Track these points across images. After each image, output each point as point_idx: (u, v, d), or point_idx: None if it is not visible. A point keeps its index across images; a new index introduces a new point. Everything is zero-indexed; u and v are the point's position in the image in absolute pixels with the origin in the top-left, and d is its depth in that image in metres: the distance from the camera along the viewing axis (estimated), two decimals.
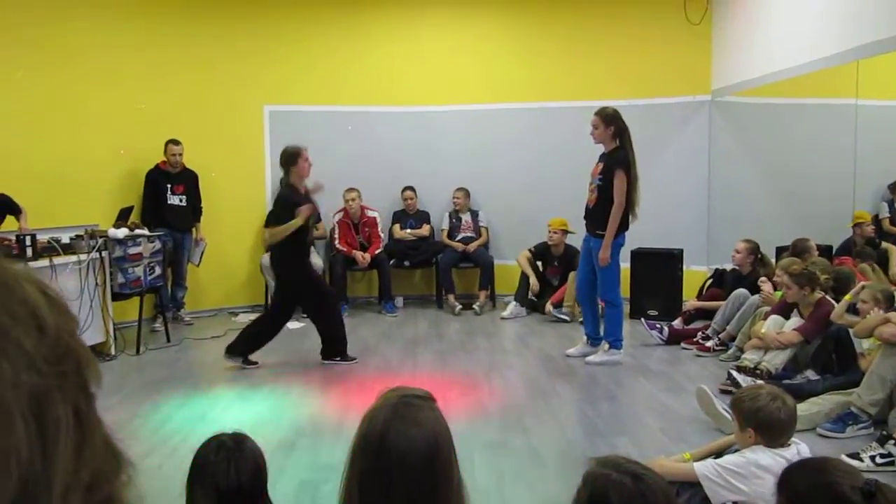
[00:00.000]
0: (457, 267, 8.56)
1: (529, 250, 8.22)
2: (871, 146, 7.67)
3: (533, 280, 8.09)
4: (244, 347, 6.05)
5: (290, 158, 5.92)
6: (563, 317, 7.64)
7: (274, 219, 5.99)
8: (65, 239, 6.22)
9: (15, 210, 6.38)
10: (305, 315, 6.78)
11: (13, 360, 0.40)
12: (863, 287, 5.00)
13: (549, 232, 8.03)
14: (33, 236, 5.87)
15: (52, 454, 0.40)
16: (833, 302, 5.39)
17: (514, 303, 8.05)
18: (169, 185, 7.66)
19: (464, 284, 8.66)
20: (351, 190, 8.34)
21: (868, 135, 7.62)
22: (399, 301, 8.50)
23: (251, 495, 2.07)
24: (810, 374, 5.09)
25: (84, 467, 0.42)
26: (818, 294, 5.38)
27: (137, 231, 6.74)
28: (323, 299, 6.20)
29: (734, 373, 5.31)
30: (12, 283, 0.43)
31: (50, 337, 0.43)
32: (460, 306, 8.19)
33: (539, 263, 8.28)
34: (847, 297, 5.10)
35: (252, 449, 2.16)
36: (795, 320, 5.43)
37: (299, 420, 4.84)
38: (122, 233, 6.49)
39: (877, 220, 7.66)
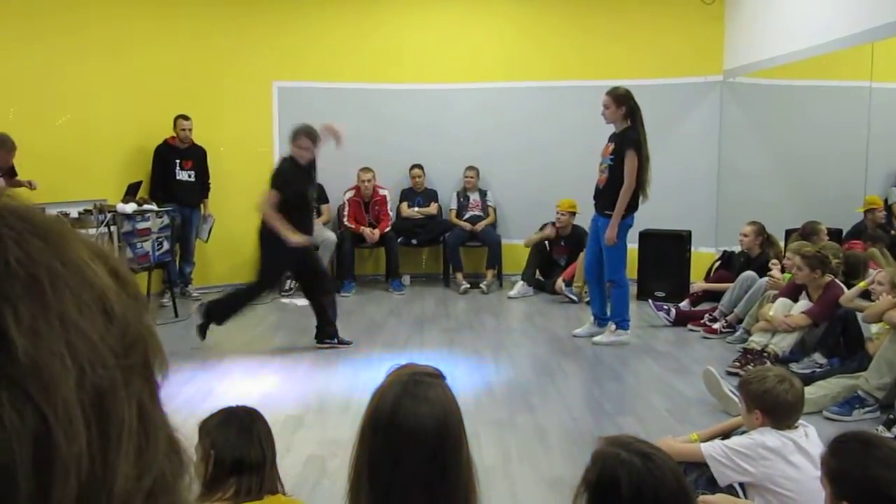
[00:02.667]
0: (464, 246, 8.55)
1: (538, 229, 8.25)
2: (884, 130, 7.61)
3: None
4: (219, 314, 5.93)
5: (293, 135, 5.87)
6: (571, 296, 7.63)
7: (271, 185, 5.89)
8: (73, 214, 6.23)
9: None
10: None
11: (78, 355, 0.36)
12: (879, 273, 4.98)
13: (558, 213, 8.01)
14: (42, 210, 5.86)
15: (115, 460, 0.37)
16: (842, 285, 5.38)
17: (521, 282, 8.05)
18: (178, 161, 7.65)
19: (471, 263, 8.65)
20: (367, 170, 8.32)
21: (882, 118, 7.56)
22: (406, 279, 8.50)
23: (260, 467, 2.09)
24: (818, 358, 5.08)
25: (147, 472, 0.39)
26: (828, 277, 5.36)
27: (146, 206, 6.75)
28: (314, 280, 6.08)
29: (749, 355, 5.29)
30: (80, 265, 0.39)
31: (118, 326, 0.39)
32: (467, 285, 8.19)
33: (546, 243, 8.27)
34: (862, 284, 5.09)
35: (261, 422, 2.17)
36: (804, 303, 5.41)
37: (306, 396, 4.86)
38: (130, 208, 6.50)
39: (886, 204, 7.61)
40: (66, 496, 0.35)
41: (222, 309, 5.94)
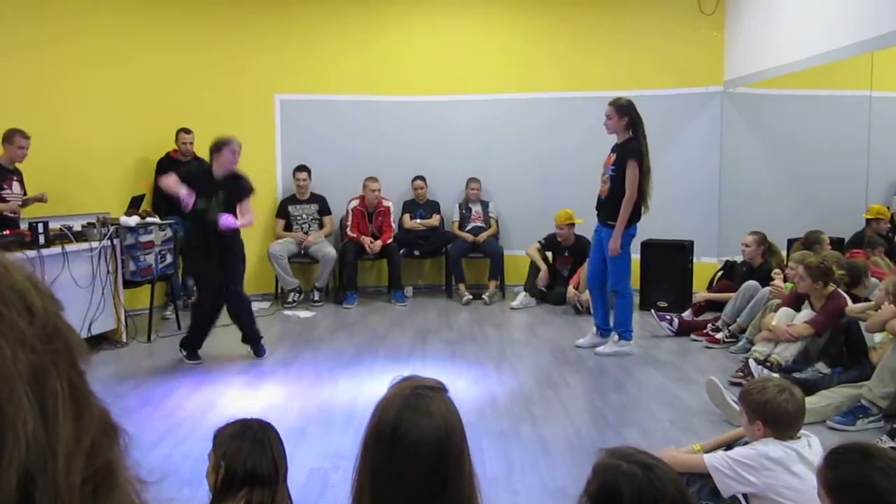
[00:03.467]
0: (466, 257, 8.56)
1: (539, 242, 8.22)
2: (885, 139, 7.61)
3: (543, 272, 8.09)
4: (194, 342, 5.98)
5: (216, 146, 5.89)
6: (579, 306, 7.61)
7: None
8: (77, 226, 6.25)
9: None
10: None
11: (10, 340, 0.42)
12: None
13: (556, 229, 8.02)
14: (46, 223, 5.90)
15: (53, 424, 0.43)
16: (845, 295, 5.37)
17: (523, 293, 8.05)
18: None
19: (473, 274, 8.66)
20: (374, 180, 8.34)
21: (882, 127, 7.57)
22: (409, 290, 8.51)
23: (272, 482, 2.09)
24: (821, 367, 5.08)
25: (83, 436, 0.45)
26: (830, 287, 5.36)
27: (149, 219, 6.76)
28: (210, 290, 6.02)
29: (752, 363, 5.28)
30: (2, 270, 0.46)
31: (39, 318, 0.45)
32: (470, 296, 8.19)
33: (549, 254, 8.28)
34: (871, 303, 5.10)
35: (275, 437, 2.18)
36: (807, 312, 5.41)
37: (309, 408, 4.86)
38: (133, 221, 6.52)
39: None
40: (16, 456, 0.40)
41: (193, 338, 5.99)
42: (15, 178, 6.45)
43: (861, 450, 1.99)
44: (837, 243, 6.94)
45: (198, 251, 5.88)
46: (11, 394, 0.41)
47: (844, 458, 1.98)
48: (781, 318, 5.51)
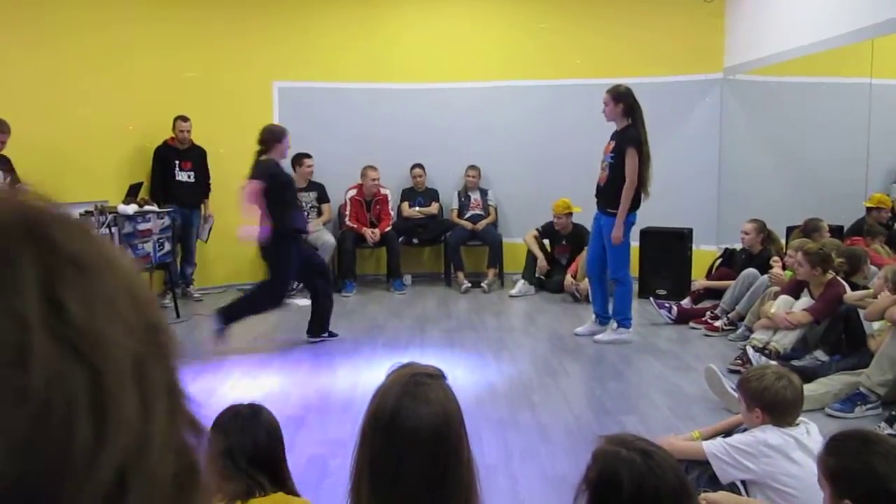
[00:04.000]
0: (465, 245, 8.55)
1: (537, 230, 8.21)
2: (885, 126, 7.60)
3: (541, 259, 8.09)
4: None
5: (277, 135, 5.96)
6: (577, 294, 7.61)
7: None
8: (75, 215, 6.20)
9: None
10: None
11: (120, 326, 0.43)
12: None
13: (554, 218, 8.01)
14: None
15: (152, 415, 0.44)
16: (844, 283, 5.37)
17: (522, 281, 8.05)
18: (177, 162, 7.66)
19: (472, 262, 8.65)
20: (373, 168, 8.32)
21: (882, 115, 7.56)
22: (407, 279, 8.51)
23: (269, 462, 2.09)
24: (819, 355, 5.08)
25: (176, 431, 0.46)
26: (829, 275, 5.36)
27: (147, 207, 6.75)
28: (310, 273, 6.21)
29: (750, 350, 5.29)
30: (115, 258, 0.47)
31: (144, 311, 0.46)
32: (469, 284, 8.19)
33: (547, 242, 8.27)
34: (870, 290, 5.11)
35: (267, 418, 2.18)
36: (806, 300, 5.41)
37: (308, 395, 4.86)
38: (131, 209, 6.50)
39: None
40: (119, 441, 0.41)
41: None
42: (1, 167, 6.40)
43: (861, 436, 1.99)
44: (837, 231, 6.93)
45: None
46: (119, 378, 0.42)
47: (845, 445, 1.98)
48: (780, 305, 5.51)
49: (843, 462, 1.95)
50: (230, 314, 5.95)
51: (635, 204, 5.97)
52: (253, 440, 2.10)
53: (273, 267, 5.95)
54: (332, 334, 6.24)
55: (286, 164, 6.86)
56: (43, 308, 0.40)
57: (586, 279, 7.53)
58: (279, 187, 5.83)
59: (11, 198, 0.46)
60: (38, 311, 0.40)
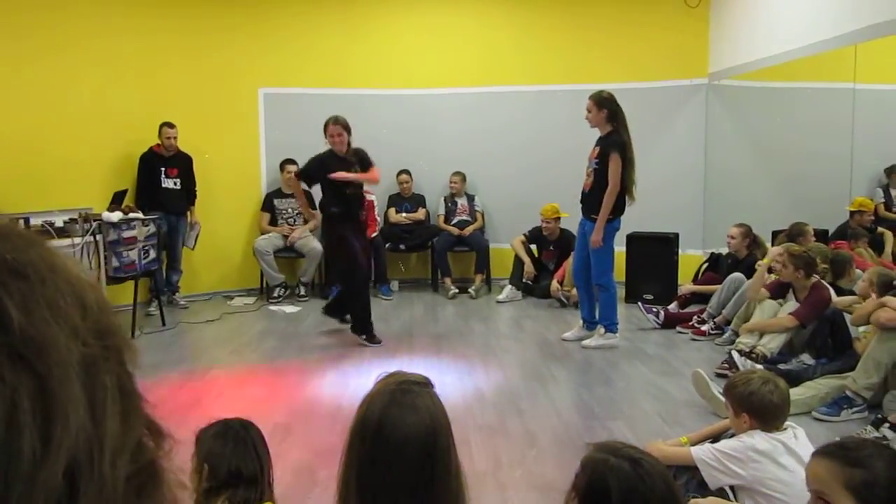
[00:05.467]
0: (452, 250, 8.54)
1: (524, 235, 8.22)
2: (868, 130, 7.66)
3: (528, 264, 8.09)
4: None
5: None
6: (563, 299, 7.63)
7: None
8: (59, 222, 6.19)
9: None
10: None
11: (64, 329, 0.44)
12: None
13: (542, 222, 8.03)
14: (27, 220, 5.84)
15: (102, 416, 0.44)
16: (829, 287, 5.40)
17: (509, 286, 8.05)
18: (163, 169, 7.61)
19: (459, 268, 8.65)
20: None
21: (866, 119, 7.62)
22: (394, 284, 8.49)
23: (255, 481, 2.08)
24: (806, 358, 5.10)
25: (129, 433, 0.46)
26: (814, 279, 5.39)
27: (132, 214, 6.70)
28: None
29: (735, 354, 5.31)
30: (59, 265, 0.47)
31: (92, 314, 0.47)
32: (456, 290, 8.18)
33: (534, 247, 8.28)
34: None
35: (257, 435, 2.16)
36: (792, 304, 5.43)
37: (295, 404, 4.84)
38: (116, 216, 6.46)
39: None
40: (65, 441, 0.41)
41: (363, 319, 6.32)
42: None
43: (878, 446, 1.96)
44: (822, 235, 6.98)
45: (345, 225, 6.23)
46: (65, 379, 0.42)
47: (866, 455, 1.91)
48: (767, 311, 5.54)
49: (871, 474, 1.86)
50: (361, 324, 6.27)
51: (619, 209, 5.98)
52: (243, 457, 2.08)
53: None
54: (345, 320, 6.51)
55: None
56: None
57: (568, 286, 7.57)
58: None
59: None
60: None
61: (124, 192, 7.05)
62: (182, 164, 7.72)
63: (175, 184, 7.67)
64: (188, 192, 7.79)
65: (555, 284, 7.77)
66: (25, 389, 0.40)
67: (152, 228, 6.81)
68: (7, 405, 0.40)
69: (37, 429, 0.40)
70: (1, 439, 0.39)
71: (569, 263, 7.55)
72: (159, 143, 7.61)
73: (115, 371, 0.47)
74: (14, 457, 0.39)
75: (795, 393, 4.12)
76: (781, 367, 4.94)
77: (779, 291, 5.65)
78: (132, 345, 0.52)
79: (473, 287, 8.26)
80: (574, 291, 7.12)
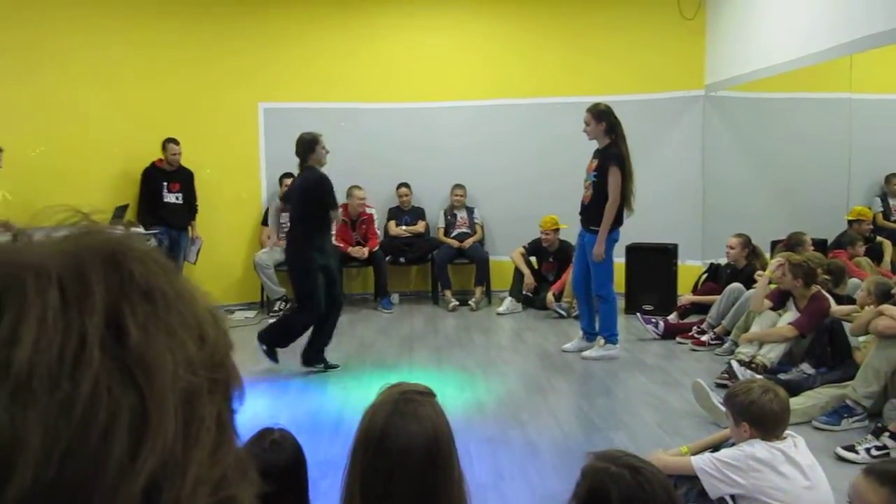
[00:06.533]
0: (452, 263, 8.56)
1: (524, 247, 8.24)
2: (865, 140, 7.69)
3: (528, 276, 8.11)
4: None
5: (308, 145, 5.89)
6: (560, 311, 7.64)
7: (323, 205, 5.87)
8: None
9: None
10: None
11: (177, 357, 0.46)
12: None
13: (542, 234, 8.05)
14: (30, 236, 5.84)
15: (192, 446, 0.46)
16: (829, 296, 5.42)
17: (509, 298, 8.06)
18: (165, 183, 7.65)
19: (459, 280, 8.66)
20: (359, 188, 8.31)
21: (862, 129, 7.65)
22: (395, 297, 8.50)
23: (296, 490, 2.07)
24: (805, 368, 5.11)
25: (216, 466, 0.48)
26: (813, 288, 5.40)
27: (133, 229, 6.72)
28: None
29: (735, 364, 5.32)
30: (187, 295, 0.50)
31: (209, 348, 0.49)
32: (456, 302, 8.19)
33: (533, 259, 8.29)
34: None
35: (295, 444, 2.16)
36: (791, 313, 5.45)
37: (297, 416, 4.84)
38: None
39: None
40: (150, 462, 0.43)
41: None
42: None
43: None
44: (820, 244, 6.99)
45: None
46: (162, 403, 0.44)
47: None
48: (766, 322, 5.56)
49: None
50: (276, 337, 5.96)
51: (618, 221, 6.00)
52: (283, 464, 2.06)
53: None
54: (329, 366, 5.96)
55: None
56: (105, 330, 0.44)
57: (568, 297, 7.58)
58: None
59: (104, 230, 0.51)
60: (100, 331, 0.43)
61: (125, 207, 7.09)
62: (184, 179, 7.75)
63: (177, 198, 7.70)
64: (190, 207, 7.82)
65: (549, 297, 7.78)
66: (127, 405, 0.43)
67: (154, 243, 6.83)
68: (108, 416, 0.42)
69: (128, 442, 0.42)
70: (94, 447, 0.42)
71: (568, 275, 7.58)
72: (162, 158, 7.64)
73: (217, 403, 0.49)
74: (102, 465, 0.41)
75: (795, 402, 4.13)
76: (781, 376, 4.95)
77: (781, 301, 5.66)
78: (241, 383, 0.54)
79: (474, 299, 8.27)
80: (574, 302, 7.14)
